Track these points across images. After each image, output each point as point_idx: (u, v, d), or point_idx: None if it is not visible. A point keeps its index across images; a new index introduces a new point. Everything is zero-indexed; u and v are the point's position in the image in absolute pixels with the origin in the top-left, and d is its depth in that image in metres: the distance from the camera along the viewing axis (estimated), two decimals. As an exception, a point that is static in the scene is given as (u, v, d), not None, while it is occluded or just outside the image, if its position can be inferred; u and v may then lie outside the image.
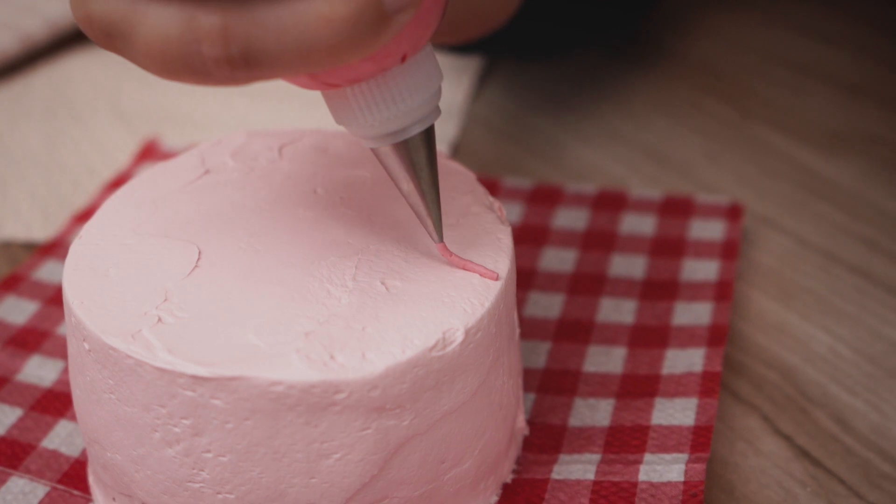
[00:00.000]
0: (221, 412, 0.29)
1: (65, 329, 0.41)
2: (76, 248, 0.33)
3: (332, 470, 0.30)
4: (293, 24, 0.25)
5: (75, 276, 0.32)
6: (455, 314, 0.31)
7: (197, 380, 0.29)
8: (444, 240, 0.33)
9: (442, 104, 0.55)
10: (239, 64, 0.26)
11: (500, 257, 0.33)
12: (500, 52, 0.59)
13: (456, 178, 0.36)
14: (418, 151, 0.30)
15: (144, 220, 0.34)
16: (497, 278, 0.32)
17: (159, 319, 0.30)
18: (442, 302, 0.31)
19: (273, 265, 0.32)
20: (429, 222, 0.32)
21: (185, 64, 0.26)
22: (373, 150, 0.31)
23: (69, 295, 0.31)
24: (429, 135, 0.31)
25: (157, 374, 0.29)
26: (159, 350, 0.29)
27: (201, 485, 0.30)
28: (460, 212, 0.34)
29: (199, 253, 0.33)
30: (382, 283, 0.32)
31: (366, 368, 0.29)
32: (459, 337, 0.30)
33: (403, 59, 0.29)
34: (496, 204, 0.35)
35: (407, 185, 0.31)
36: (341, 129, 0.40)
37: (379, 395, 0.29)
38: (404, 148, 0.30)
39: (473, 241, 0.33)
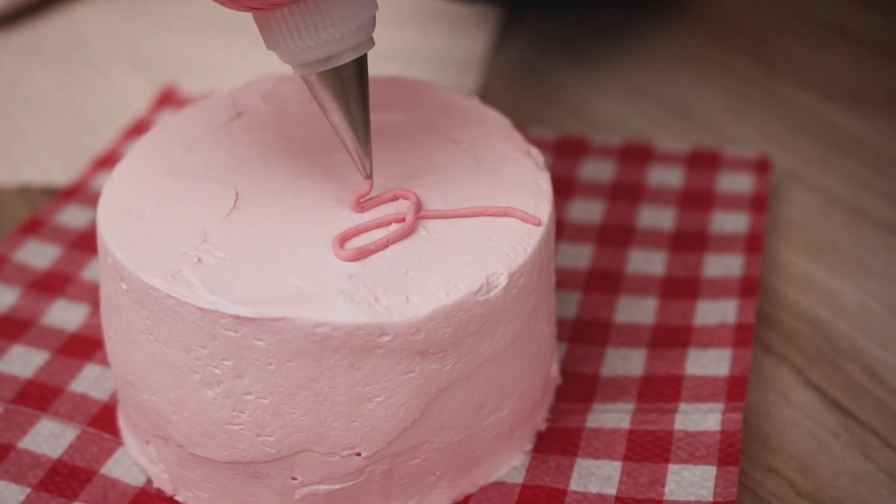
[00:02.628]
0: (264, 353, 0.29)
1: (89, 273, 0.40)
2: (109, 189, 0.33)
3: (374, 413, 0.29)
4: None
5: (110, 217, 0.32)
6: (498, 259, 0.30)
7: (240, 320, 0.28)
8: (486, 186, 0.32)
9: (462, 54, 0.55)
10: None
11: (540, 203, 0.32)
12: (521, 3, 0.58)
13: (492, 123, 0.36)
14: (348, 82, 0.30)
15: (178, 161, 0.34)
16: (539, 223, 0.32)
17: (199, 260, 0.30)
18: (484, 246, 0.31)
19: (311, 207, 0.32)
20: (357, 156, 0.31)
21: None
22: (303, 77, 0.30)
23: (105, 235, 0.31)
24: (360, 65, 0.30)
25: (198, 314, 0.29)
26: (200, 290, 0.29)
27: (241, 427, 0.30)
28: (499, 157, 0.34)
29: (237, 195, 0.32)
30: (423, 227, 0.31)
31: (410, 311, 0.29)
32: (503, 281, 0.30)
33: None
34: (533, 150, 0.35)
35: (336, 116, 0.31)
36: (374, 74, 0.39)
37: (423, 338, 0.29)
38: (334, 77, 0.30)
39: (514, 187, 0.33)
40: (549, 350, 0.34)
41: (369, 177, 0.31)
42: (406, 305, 0.29)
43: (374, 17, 0.30)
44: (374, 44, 0.30)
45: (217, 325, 0.29)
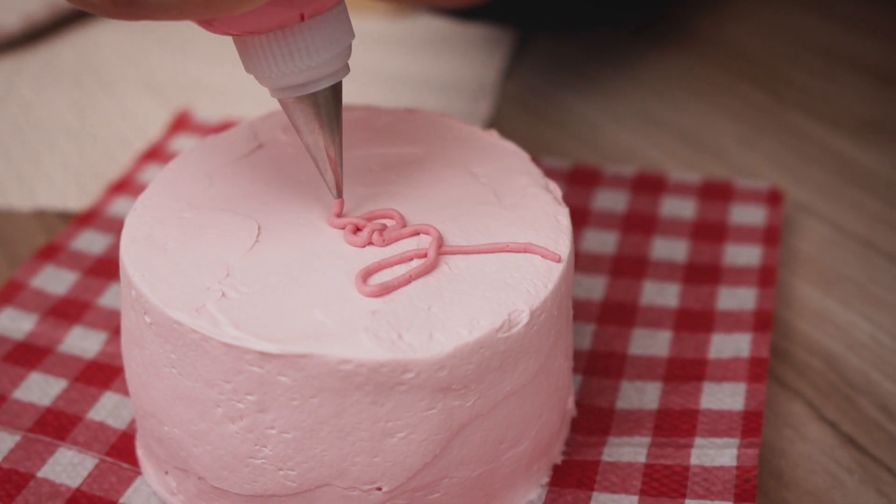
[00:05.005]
0: (288, 389, 0.29)
1: (106, 300, 0.41)
2: (132, 221, 0.33)
3: (396, 449, 0.30)
4: None
5: (133, 249, 0.32)
6: (519, 295, 0.31)
7: (264, 356, 0.29)
8: (506, 221, 0.33)
9: (474, 81, 0.55)
10: (122, 2, 0.27)
11: (560, 239, 0.33)
12: (527, 26, 0.59)
13: (511, 158, 0.36)
14: (323, 107, 0.31)
15: (200, 193, 0.34)
16: (559, 260, 0.32)
17: (223, 294, 0.30)
18: (505, 283, 0.31)
19: (333, 241, 0.32)
20: (329, 177, 0.32)
21: None
22: (279, 100, 0.31)
23: (129, 267, 0.31)
24: (336, 91, 0.31)
25: (223, 349, 0.29)
26: (225, 325, 0.29)
27: (263, 461, 0.30)
28: (518, 192, 0.34)
29: (259, 228, 0.32)
30: (445, 263, 0.31)
31: (434, 348, 0.29)
32: (525, 318, 0.30)
33: (302, 17, 0.30)
34: (552, 185, 0.35)
35: (311, 138, 0.32)
36: (388, 104, 0.39)
37: (446, 375, 0.29)
38: (310, 102, 0.31)
39: (533, 223, 0.33)
40: (566, 384, 0.34)
41: (339, 197, 0.32)
42: (429, 342, 0.29)
43: (350, 46, 0.31)
44: (349, 70, 0.32)
45: (242, 360, 0.29)
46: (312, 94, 0.31)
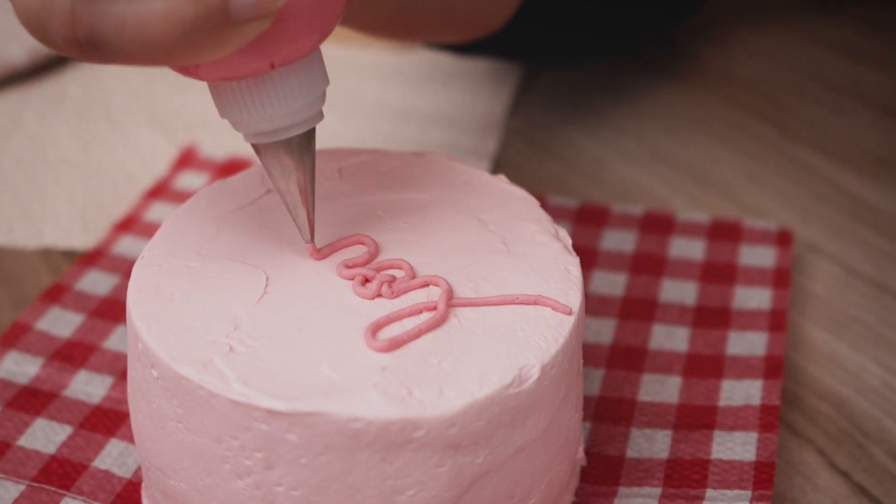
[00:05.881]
0: (296, 447, 0.29)
1: (111, 343, 0.40)
2: (139, 270, 0.33)
3: (405, 506, 0.29)
4: (133, 18, 0.26)
5: (140, 299, 0.32)
6: (530, 350, 0.30)
7: (273, 414, 0.28)
8: (516, 271, 0.32)
9: (480, 116, 0.55)
10: (85, 47, 0.27)
11: (570, 290, 0.32)
12: (530, 60, 0.58)
13: (520, 204, 0.36)
14: (296, 153, 0.31)
15: (207, 241, 0.34)
16: (570, 313, 0.31)
17: (231, 349, 0.30)
18: (515, 336, 0.31)
19: (342, 292, 0.32)
20: (301, 221, 0.32)
21: (43, 37, 0.28)
22: (252, 145, 0.32)
23: (136, 320, 0.31)
24: (309, 137, 0.32)
25: (231, 406, 0.29)
26: (233, 381, 0.29)
27: (271, 518, 0.30)
28: (528, 241, 0.34)
29: (267, 278, 0.32)
30: (455, 315, 0.31)
31: (444, 405, 0.29)
32: (535, 374, 0.30)
33: (273, 66, 0.30)
34: (561, 232, 0.35)
35: (283, 182, 0.32)
36: (394, 138, 0.40)
37: (456, 432, 0.29)
38: (282, 147, 0.31)
39: (543, 273, 0.33)
40: (576, 435, 0.34)
41: (310, 241, 0.33)
42: (439, 399, 0.29)
43: (324, 93, 0.31)
44: (323, 117, 0.32)
45: (250, 417, 0.29)
46: (286, 139, 0.31)
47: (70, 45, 0.27)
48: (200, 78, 0.30)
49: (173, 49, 0.27)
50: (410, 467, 0.29)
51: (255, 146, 0.32)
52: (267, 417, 0.28)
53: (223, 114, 0.31)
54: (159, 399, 0.30)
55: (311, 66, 0.31)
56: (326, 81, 0.31)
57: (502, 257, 0.33)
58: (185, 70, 0.30)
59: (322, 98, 0.32)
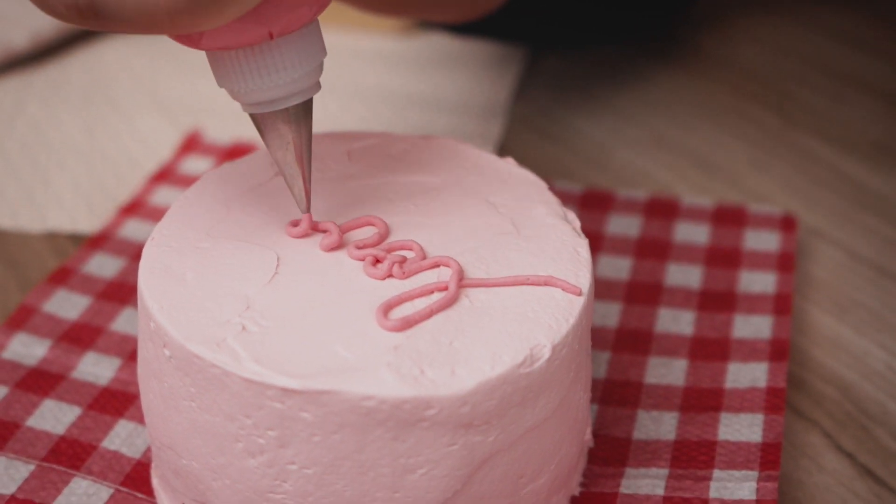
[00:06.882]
0: (309, 425, 0.29)
1: (118, 325, 0.40)
2: (150, 250, 0.33)
3: (417, 485, 0.29)
4: None
5: (152, 280, 0.32)
6: (541, 330, 0.30)
7: (286, 392, 0.28)
8: (526, 253, 0.32)
9: (485, 101, 0.55)
10: (87, 14, 0.27)
11: (580, 271, 0.32)
12: (533, 43, 0.59)
13: (528, 187, 0.36)
14: (294, 122, 0.32)
15: (217, 222, 0.34)
16: (580, 293, 0.32)
17: (243, 328, 0.30)
18: (526, 317, 0.31)
19: (353, 273, 0.32)
20: (297, 191, 0.33)
21: (44, 4, 0.28)
22: (250, 115, 0.32)
23: (148, 299, 0.31)
24: (306, 107, 0.32)
25: (244, 384, 0.29)
26: (246, 360, 0.29)
27: (283, 496, 0.30)
28: (537, 223, 0.34)
29: (278, 259, 0.32)
30: (465, 296, 0.31)
31: (456, 384, 0.29)
32: (546, 353, 0.30)
33: (271, 35, 0.30)
34: (570, 215, 0.35)
35: (281, 153, 0.32)
36: (398, 123, 0.40)
37: (468, 411, 0.29)
38: (280, 117, 0.32)
39: (553, 255, 0.33)
40: (585, 416, 0.34)
41: (307, 211, 0.33)
42: (451, 378, 0.29)
43: (322, 63, 0.32)
44: (320, 88, 0.32)
45: (263, 395, 0.29)
46: (284, 109, 0.31)
47: (71, 12, 0.27)
48: (200, 47, 0.30)
49: (174, 15, 0.27)
50: (422, 446, 0.29)
51: (253, 116, 0.32)
52: (281, 396, 0.29)
53: (221, 83, 0.32)
54: (172, 378, 0.30)
55: (310, 36, 0.31)
56: (324, 52, 0.32)
57: (512, 239, 0.33)
58: (185, 39, 0.30)
59: (320, 69, 0.32)
